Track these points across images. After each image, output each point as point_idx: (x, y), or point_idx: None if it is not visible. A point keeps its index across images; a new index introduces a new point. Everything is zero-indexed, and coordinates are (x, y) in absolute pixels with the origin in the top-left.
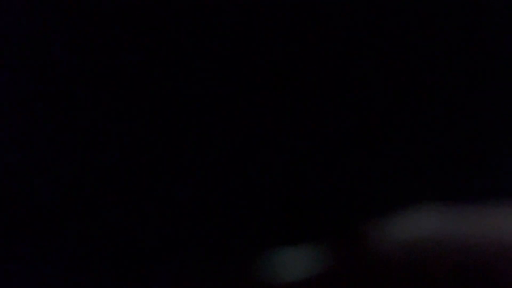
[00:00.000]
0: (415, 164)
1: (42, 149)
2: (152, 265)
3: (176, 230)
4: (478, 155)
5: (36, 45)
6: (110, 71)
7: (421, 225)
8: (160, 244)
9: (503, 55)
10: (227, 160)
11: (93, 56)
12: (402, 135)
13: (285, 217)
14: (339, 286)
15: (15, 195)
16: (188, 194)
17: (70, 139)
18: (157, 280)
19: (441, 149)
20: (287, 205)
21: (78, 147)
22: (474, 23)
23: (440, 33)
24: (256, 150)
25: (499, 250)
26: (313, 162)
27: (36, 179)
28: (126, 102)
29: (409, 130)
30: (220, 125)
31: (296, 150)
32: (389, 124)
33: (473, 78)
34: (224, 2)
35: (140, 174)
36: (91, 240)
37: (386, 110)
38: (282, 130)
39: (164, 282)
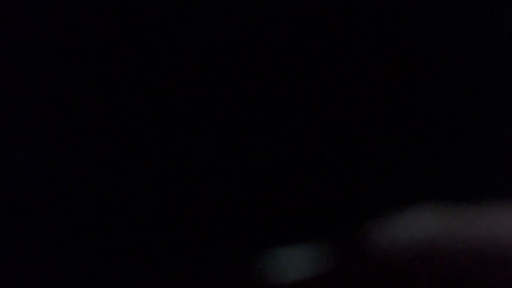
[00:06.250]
0: (415, 164)
1: (43, 149)
2: (153, 265)
3: (177, 230)
4: (478, 155)
5: (35, 45)
6: (108, 71)
7: (421, 225)
8: (160, 244)
9: (503, 55)
10: (228, 160)
11: (91, 57)
12: (402, 136)
13: (286, 217)
14: (339, 286)
15: (14, 195)
16: (189, 194)
17: (71, 138)
18: (158, 280)
19: (441, 149)
20: (287, 205)
21: (79, 147)
22: (474, 22)
23: (439, 33)
24: (257, 150)
25: (499, 249)
26: (313, 163)
27: (36, 178)
28: (127, 101)
29: (409, 130)
30: (222, 125)
31: (296, 151)
32: (389, 124)
33: (473, 79)
34: (221, 2)
35: (140, 173)
36: (89, 240)
37: (387, 110)
38: (283, 131)
39: (164, 282)
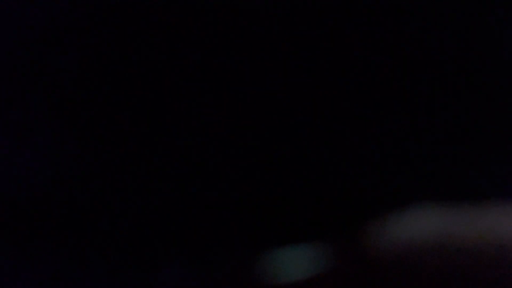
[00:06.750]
0: (414, 164)
1: (43, 149)
2: (152, 265)
3: (176, 230)
4: (478, 155)
5: (35, 45)
6: (107, 71)
7: (421, 225)
8: (160, 244)
9: (503, 55)
10: (228, 160)
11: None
12: (402, 135)
13: (286, 217)
14: (339, 286)
15: (15, 195)
16: (188, 194)
17: (71, 139)
18: (157, 280)
19: (441, 149)
20: (287, 205)
21: (79, 146)
22: (474, 22)
23: (440, 32)
24: (257, 150)
25: (499, 250)
26: (313, 162)
27: (36, 178)
28: (124, 101)
29: (409, 130)
30: (221, 124)
31: (296, 151)
32: (389, 124)
33: (473, 78)
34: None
35: (140, 173)
36: (89, 240)
37: (386, 110)
38: (282, 130)
39: (164, 282)
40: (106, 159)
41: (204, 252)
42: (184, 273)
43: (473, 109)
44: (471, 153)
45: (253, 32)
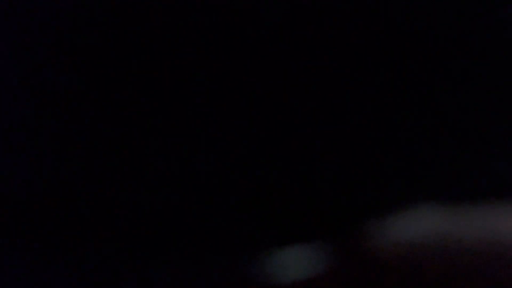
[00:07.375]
0: (414, 164)
1: (42, 149)
2: (150, 265)
3: (175, 230)
4: (477, 155)
5: (35, 45)
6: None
7: (421, 225)
8: (159, 244)
9: (503, 55)
10: (226, 159)
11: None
12: (402, 135)
13: (285, 217)
14: (339, 286)
15: (14, 195)
16: (187, 193)
17: (71, 139)
18: (156, 280)
19: (441, 149)
20: (287, 204)
21: (78, 146)
22: (475, 23)
23: (439, 32)
24: (256, 149)
25: (499, 250)
26: (312, 162)
27: (35, 177)
28: (125, 101)
29: (408, 129)
30: (220, 124)
31: (295, 150)
32: (389, 124)
33: (473, 78)
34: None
35: (138, 173)
36: (88, 239)
37: (386, 109)
38: (282, 129)
39: (162, 282)
40: (105, 159)
41: (203, 252)
42: (182, 273)
43: (473, 109)
44: (471, 153)
45: (253, 32)
